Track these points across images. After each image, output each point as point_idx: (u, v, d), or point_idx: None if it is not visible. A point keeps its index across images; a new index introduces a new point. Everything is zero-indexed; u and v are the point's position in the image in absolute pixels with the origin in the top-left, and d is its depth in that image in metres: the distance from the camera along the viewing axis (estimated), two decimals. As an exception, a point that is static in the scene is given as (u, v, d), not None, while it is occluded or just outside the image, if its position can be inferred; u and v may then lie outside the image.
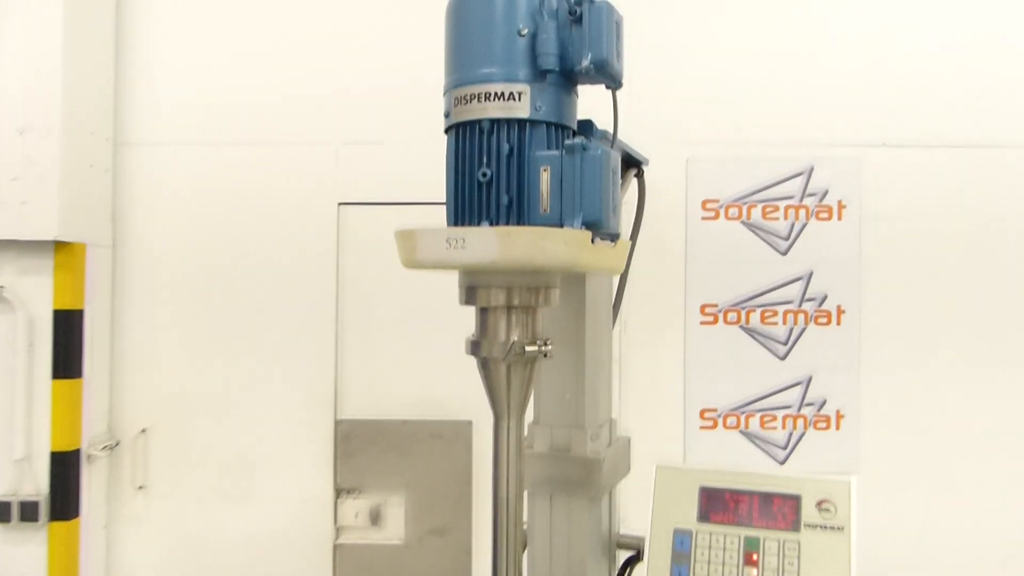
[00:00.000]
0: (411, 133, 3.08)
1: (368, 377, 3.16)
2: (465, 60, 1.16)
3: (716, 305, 3.03)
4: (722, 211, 3.04)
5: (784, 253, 3.02)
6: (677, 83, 3.07)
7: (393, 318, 3.14)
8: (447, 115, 1.19)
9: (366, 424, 3.15)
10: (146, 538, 3.17)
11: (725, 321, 3.03)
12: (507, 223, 1.14)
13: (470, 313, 1.24)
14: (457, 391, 3.06)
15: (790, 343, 3.01)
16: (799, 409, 3.01)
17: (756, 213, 3.03)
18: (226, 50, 3.21)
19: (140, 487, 3.16)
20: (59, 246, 2.88)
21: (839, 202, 3.01)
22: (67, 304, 2.90)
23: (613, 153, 1.15)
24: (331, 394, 3.15)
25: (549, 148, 1.15)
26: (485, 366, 1.21)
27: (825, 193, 3.01)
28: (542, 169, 1.13)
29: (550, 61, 1.12)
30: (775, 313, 3.01)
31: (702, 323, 3.03)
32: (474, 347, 1.21)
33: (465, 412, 3.09)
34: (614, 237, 1.20)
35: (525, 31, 1.13)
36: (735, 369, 3.03)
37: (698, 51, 3.08)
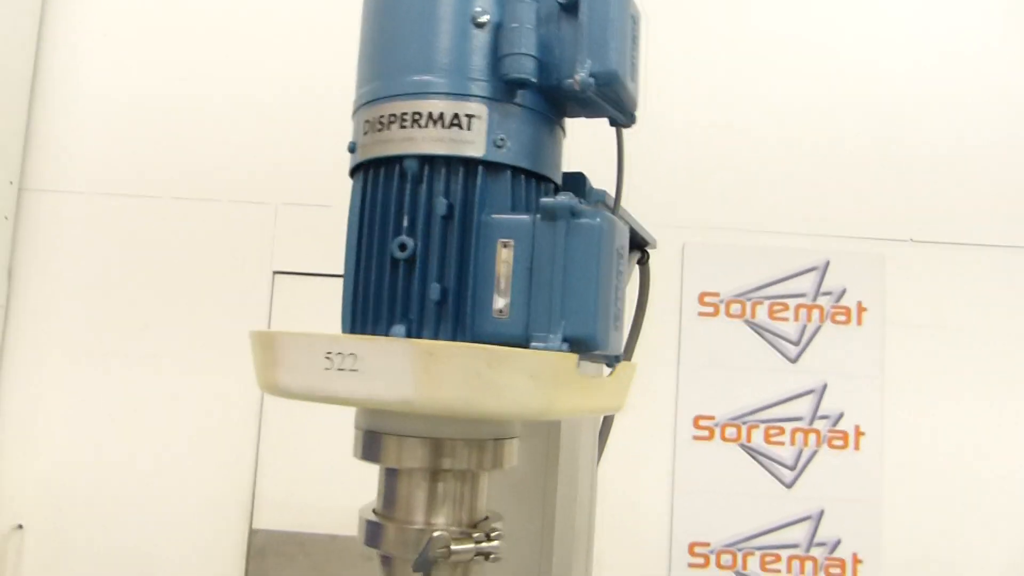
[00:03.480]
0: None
1: (291, 481, 2.62)
2: (384, 61, 0.71)
3: (713, 418, 2.55)
4: (722, 307, 2.60)
5: (794, 360, 2.57)
6: (673, 156, 2.66)
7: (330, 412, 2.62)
8: (352, 150, 0.73)
9: (286, 537, 2.60)
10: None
11: (723, 437, 2.55)
12: (435, 333, 0.67)
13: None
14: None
15: (798, 469, 2.53)
16: (807, 550, 2.51)
17: (762, 312, 2.59)
18: (154, 92, 2.78)
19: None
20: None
21: (859, 304, 2.58)
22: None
23: (620, 224, 0.70)
24: (248, 498, 2.60)
25: (515, 210, 0.69)
26: (386, 565, 0.72)
27: (843, 293, 2.58)
28: (500, 243, 0.67)
29: (526, 67, 0.67)
30: (782, 431, 2.54)
31: (695, 438, 2.55)
32: (371, 533, 0.72)
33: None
34: (613, 361, 0.73)
35: (485, 18, 0.68)
36: (730, 497, 2.53)
37: (701, 123, 2.69)
